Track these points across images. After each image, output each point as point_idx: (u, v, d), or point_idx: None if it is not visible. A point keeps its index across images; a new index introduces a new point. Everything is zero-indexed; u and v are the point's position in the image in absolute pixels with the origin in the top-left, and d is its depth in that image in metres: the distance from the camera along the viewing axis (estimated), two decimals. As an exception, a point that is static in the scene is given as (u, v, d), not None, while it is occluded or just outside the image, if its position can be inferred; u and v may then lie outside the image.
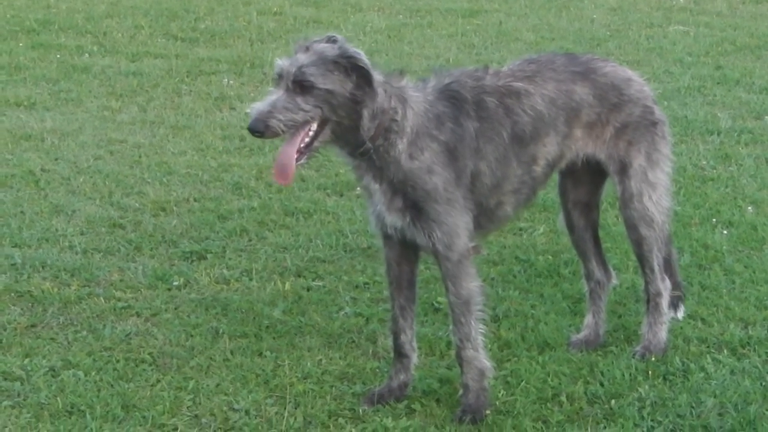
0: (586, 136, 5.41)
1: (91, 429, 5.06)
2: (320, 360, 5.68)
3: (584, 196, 5.75)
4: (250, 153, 8.80)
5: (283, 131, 4.74)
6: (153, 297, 6.34)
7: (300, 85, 4.73)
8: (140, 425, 5.12)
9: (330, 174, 8.26)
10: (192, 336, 5.91)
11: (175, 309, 6.23)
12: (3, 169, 8.31)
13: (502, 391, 5.36)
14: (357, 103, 4.81)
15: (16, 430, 5.07)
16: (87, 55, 11.98)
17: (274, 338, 5.87)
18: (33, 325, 5.99)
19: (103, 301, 6.27)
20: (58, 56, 11.87)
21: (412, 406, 5.27)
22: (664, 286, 5.74)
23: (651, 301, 5.73)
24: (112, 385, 5.42)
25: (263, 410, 5.23)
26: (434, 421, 5.17)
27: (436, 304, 6.20)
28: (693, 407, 5.23)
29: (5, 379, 5.45)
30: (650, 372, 5.52)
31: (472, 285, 5.10)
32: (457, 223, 5.00)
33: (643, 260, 5.70)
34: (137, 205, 7.70)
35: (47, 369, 5.54)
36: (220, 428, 5.12)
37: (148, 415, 5.17)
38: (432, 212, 4.97)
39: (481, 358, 5.18)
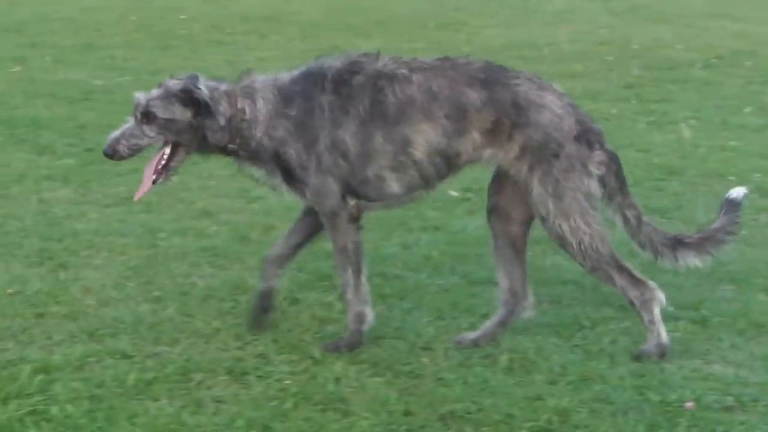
0: (487, 143, 5.61)
1: None
2: None
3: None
4: None
5: (128, 155, 5.62)
6: None
7: (146, 116, 5.58)
8: None
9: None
10: None
11: None
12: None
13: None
14: (198, 128, 5.61)
15: None
16: None
17: None
18: None
19: None
20: None
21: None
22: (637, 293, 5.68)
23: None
24: None
25: None
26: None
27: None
28: None
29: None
30: None
31: (346, 239, 5.72)
32: (317, 185, 5.64)
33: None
34: None
35: None
36: None
37: None
38: (298, 177, 5.67)
39: (358, 303, 5.76)
